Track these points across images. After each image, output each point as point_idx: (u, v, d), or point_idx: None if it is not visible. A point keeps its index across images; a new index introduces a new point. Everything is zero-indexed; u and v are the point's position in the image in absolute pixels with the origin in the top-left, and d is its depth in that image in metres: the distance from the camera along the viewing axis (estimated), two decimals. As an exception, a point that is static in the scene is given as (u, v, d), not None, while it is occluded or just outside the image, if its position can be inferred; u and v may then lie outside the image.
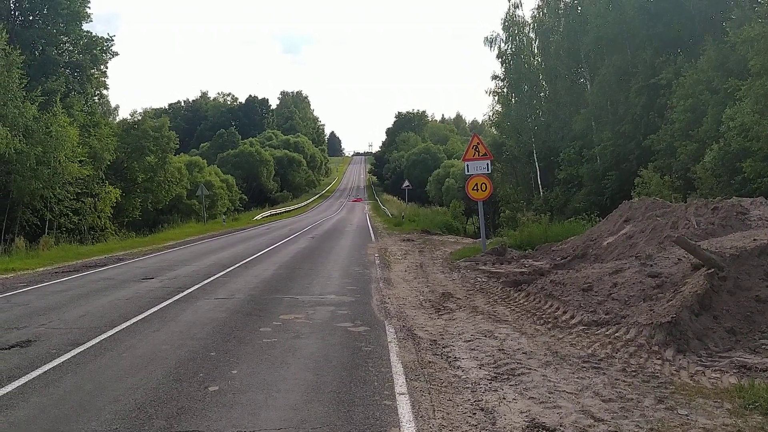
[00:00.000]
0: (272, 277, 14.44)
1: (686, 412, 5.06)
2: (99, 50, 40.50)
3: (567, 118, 36.07)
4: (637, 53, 29.74)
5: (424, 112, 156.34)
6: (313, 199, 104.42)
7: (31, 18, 38.08)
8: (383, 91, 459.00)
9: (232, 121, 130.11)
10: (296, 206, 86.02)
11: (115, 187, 36.49)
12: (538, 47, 40.10)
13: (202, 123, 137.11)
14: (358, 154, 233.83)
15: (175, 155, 51.14)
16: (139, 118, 49.89)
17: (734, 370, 6.00)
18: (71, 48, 39.66)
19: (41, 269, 17.71)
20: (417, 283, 13.05)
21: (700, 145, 22.18)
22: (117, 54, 42.60)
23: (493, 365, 6.64)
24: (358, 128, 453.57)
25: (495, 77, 42.04)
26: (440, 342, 7.77)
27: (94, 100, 41.98)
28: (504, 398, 5.58)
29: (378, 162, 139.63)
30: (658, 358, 6.50)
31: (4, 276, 16.06)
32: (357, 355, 7.21)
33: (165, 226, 41.80)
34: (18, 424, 5.17)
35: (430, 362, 6.88)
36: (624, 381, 5.93)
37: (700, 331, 6.93)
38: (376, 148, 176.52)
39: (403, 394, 5.74)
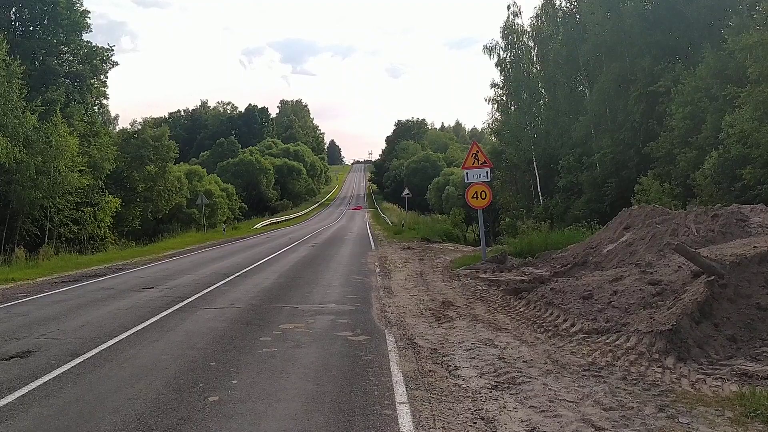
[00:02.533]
0: (272, 286, 14.42)
1: (687, 421, 5.05)
2: (99, 60, 40.68)
3: (566, 126, 36.10)
4: (636, 61, 29.79)
5: (423, 120, 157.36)
6: (313, 207, 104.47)
7: (31, 28, 38.27)
8: (383, 99, 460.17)
9: (231, 130, 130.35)
10: (296, 215, 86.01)
11: (114, 197, 36.52)
12: (536, 55, 40.21)
13: (201, 132, 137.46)
14: (358, 162, 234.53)
15: (174, 164, 51.19)
16: (139, 127, 49.88)
17: (735, 378, 5.99)
18: (71, 58, 39.83)
19: (41, 279, 17.69)
20: (417, 292, 13.04)
21: (699, 152, 22.18)
22: (117, 64, 42.81)
23: (494, 374, 6.62)
24: (358, 137, 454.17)
25: (494, 85, 42.17)
26: (440, 351, 7.76)
27: (93, 109, 42.12)
28: (504, 407, 5.57)
29: (378, 170, 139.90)
30: (659, 366, 6.49)
31: (4, 286, 16.05)
32: (357, 364, 7.20)
33: (165, 236, 41.76)
34: (17, 436, 5.16)
35: (430, 371, 6.86)
36: (624, 389, 5.92)
37: (701, 338, 6.92)
38: (375, 157, 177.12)
39: (403, 403, 5.73)
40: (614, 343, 7.40)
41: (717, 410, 5.24)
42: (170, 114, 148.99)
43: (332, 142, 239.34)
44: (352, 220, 68.04)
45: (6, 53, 27.77)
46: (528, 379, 6.34)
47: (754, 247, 8.55)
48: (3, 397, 6.11)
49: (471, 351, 7.66)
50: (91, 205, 34.06)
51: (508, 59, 40.02)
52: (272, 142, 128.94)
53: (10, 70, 27.37)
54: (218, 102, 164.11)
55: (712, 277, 7.62)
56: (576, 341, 7.79)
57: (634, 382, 6.13)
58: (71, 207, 31.10)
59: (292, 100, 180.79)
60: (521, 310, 10.11)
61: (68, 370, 7.12)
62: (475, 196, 17.63)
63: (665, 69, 27.57)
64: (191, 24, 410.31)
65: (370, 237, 36.47)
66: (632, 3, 30.87)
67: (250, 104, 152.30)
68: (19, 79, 27.78)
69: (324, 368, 7.03)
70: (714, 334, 7.02)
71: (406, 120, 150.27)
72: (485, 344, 7.97)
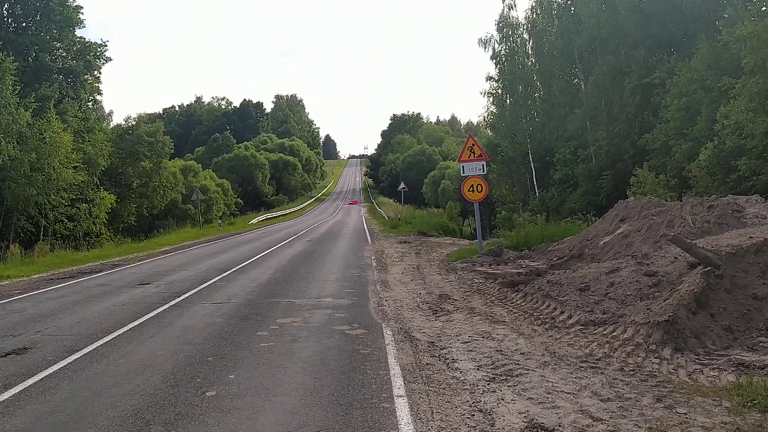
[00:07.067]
0: (269, 280, 14.41)
1: (685, 411, 5.06)
2: (92, 56, 40.42)
3: (562, 119, 36.11)
4: (631, 53, 29.80)
5: (419, 113, 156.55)
6: (309, 202, 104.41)
7: (24, 25, 38.02)
8: (378, 93, 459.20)
9: (226, 126, 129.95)
10: (292, 210, 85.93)
11: (110, 193, 36.37)
12: (532, 48, 40.13)
13: (196, 127, 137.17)
14: (353, 156, 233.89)
15: (169, 160, 51.01)
16: (134, 123, 49.65)
17: (732, 368, 6.00)
18: (64, 54, 39.58)
19: (36, 276, 17.65)
20: (414, 285, 13.04)
21: (694, 144, 22.21)
22: (110, 59, 42.39)
23: (491, 366, 6.63)
24: (354, 131, 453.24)
25: (489, 78, 42.09)
26: (438, 344, 7.76)
27: (87, 105, 41.80)
28: (502, 399, 5.57)
29: (373, 164, 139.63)
30: (656, 357, 6.50)
31: (-1, 283, 16.02)
32: (354, 357, 7.20)
33: (160, 232, 41.67)
34: (14, 432, 5.15)
35: (428, 364, 6.87)
36: (622, 380, 5.93)
37: (698, 329, 6.93)
38: (371, 151, 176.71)
39: (401, 396, 5.73)
40: (611, 334, 7.41)
41: (714, 400, 5.25)
42: (165, 109, 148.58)
43: (327, 137, 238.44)
44: (348, 215, 67.97)
45: (-2, 49, 27.64)
46: (525, 371, 6.35)
47: (750, 237, 8.57)
48: (0, 394, 6.09)
49: (468, 344, 7.67)
50: (86, 201, 33.91)
51: (503, 52, 39.94)
52: (267, 137, 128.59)
53: (3, 66, 27.17)
54: (213, 97, 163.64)
55: (709, 268, 7.63)
56: (573, 333, 7.80)
57: (632, 373, 6.14)
58: (66, 203, 30.92)
59: (287, 95, 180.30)
60: (518, 302, 10.13)
61: (65, 366, 7.11)
62: (471, 189, 17.62)
63: (660, 61, 27.59)
64: (185, 18, 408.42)
65: (367, 231, 36.46)
66: (627, -5, 30.83)
67: (244, 99, 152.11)
68: (11, 75, 27.58)
69: (321, 362, 7.02)
70: (710, 325, 7.03)
71: (402, 114, 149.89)
72: (483, 337, 7.98)
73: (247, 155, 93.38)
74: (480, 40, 40.76)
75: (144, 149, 42.93)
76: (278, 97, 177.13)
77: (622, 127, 29.71)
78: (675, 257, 9.03)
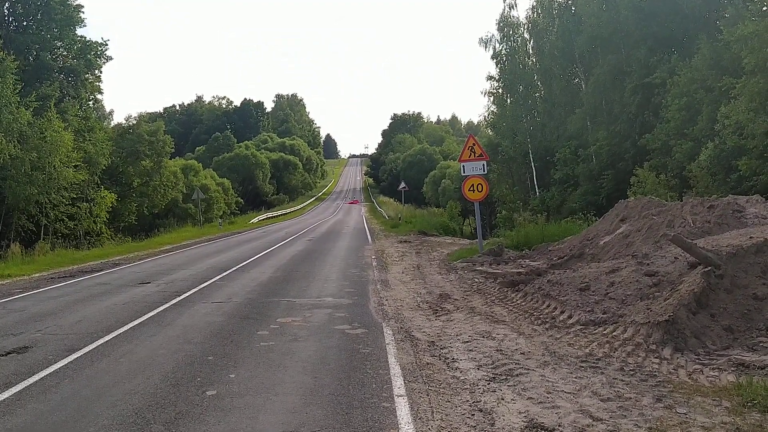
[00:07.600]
0: (269, 280, 14.41)
1: (685, 411, 5.06)
2: (93, 55, 40.36)
3: (562, 118, 36.12)
4: (632, 52, 29.80)
5: (419, 113, 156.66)
6: (309, 201, 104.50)
7: (24, 23, 37.99)
8: (378, 93, 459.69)
9: (227, 125, 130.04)
10: (292, 209, 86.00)
11: (110, 192, 36.37)
12: (532, 47, 40.16)
13: (197, 127, 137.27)
14: (354, 156, 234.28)
15: (170, 159, 50.99)
16: (134, 122, 49.60)
17: (732, 368, 6.00)
18: (65, 53, 39.53)
19: (37, 275, 17.65)
20: (414, 285, 13.04)
21: (695, 144, 22.22)
22: (111, 58, 42.30)
23: (491, 366, 6.63)
24: (354, 130, 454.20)
25: (490, 78, 42.20)
26: (438, 343, 7.77)
27: (88, 104, 41.76)
28: (502, 399, 5.58)
29: (374, 164, 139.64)
30: (656, 357, 6.50)
31: (0, 282, 16.02)
32: (355, 357, 7.20)
33: (161, 231, 41.70)
34: (16, 431, 5.15)
35: (428, 364, 6.87)
36: (622, 380, 5.93)
37: (698, 329, 6.93)
38: (372, 150, 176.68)
39: (401, 395, 5.73)
40: (611, 334, 7.41)
41: (714, 400, 5.25)
42: (165, 109, 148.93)
43: (328, 136, 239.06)
44: (348, 214, 68.02)
45: (-1, 48, 27.64)
46: (526, 371, 6.35)
47: (750, 237, 8.56)
48: (0, 393, 6.10)
49: (468, 343, 7.67)
50: (86, 200, 33.91)
51: (504, 52, 39.97)
52: (268, 136, 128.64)
53: (4, 65, 27.16)
54: (213, 96, 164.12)
55: (709, 268, 7.63)
56: (573, 333, 7.80)
57: (632, 372, 6.14)
58: (67, 202, 30.91)
59: (287, 94, 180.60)
60: (518, 302, 10.12)
61: (66, 365, 7.11)
62: (471, 188, 17.62)
63: (661, 60, 27.59)
64: (186, 18, 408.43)
65: (367, 231, 36.46)
66: (627, -6, 30.81)
67: (245, 98, 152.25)
68: (12, 74, 27.57)
69: (322, 362, 7.03)
70: (711, 325, 7.03)
71: (402, 113, 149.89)
72: (483, 336, 7.98)
73: (248, 154, 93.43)
74: (480, 39, 40.89)
75: (144, 148, 42.92)
76: (279, 97, 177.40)
77: (623, 127, 29.71)
78: (675, 257, 9.03)
